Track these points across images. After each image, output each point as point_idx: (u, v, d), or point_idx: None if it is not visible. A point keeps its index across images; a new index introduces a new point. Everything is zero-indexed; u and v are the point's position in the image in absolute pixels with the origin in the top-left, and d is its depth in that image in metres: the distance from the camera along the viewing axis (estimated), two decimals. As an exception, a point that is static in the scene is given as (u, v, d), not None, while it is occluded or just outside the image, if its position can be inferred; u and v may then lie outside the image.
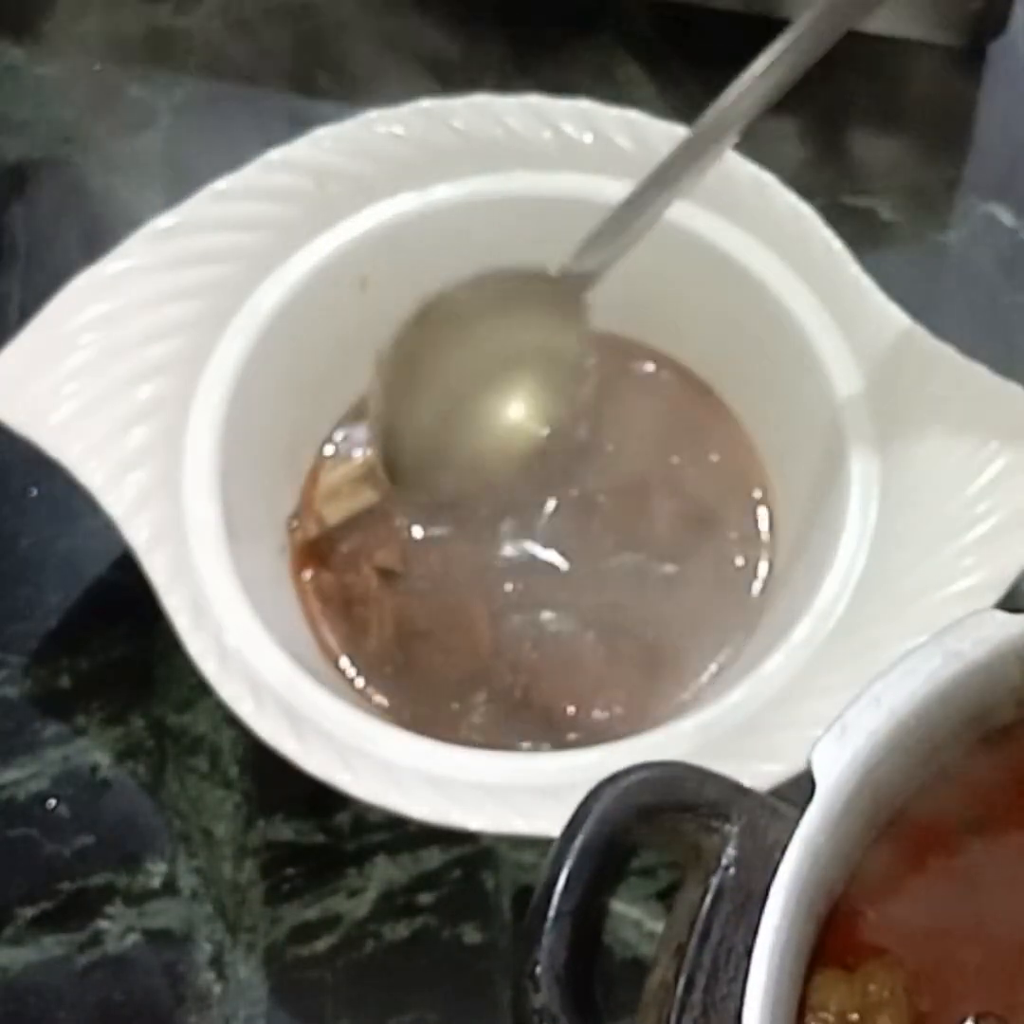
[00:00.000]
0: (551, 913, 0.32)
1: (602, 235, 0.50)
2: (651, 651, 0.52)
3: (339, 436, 0.56)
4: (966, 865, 0.34)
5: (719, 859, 0.32)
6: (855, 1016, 0.32)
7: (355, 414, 0.56)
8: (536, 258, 0.55)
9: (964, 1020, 0.32)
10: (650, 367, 0.57)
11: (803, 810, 0.31)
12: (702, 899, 0.32)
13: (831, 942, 0.33)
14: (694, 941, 0.31)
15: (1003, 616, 0.34)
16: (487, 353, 0.52)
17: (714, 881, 0.32)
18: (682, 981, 0.31)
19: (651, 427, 0.56)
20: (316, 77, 0.67)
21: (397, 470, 0.52)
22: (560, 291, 0.51)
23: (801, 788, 0.32)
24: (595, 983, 0.32)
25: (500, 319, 0.52)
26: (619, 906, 0.49)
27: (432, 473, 0.53)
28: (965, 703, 0.34)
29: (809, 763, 0.32)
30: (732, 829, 0.33)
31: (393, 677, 0.52)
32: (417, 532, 0.54)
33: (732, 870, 0.32)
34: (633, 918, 0.49)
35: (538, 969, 0.31)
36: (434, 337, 0.51)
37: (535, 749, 0.51)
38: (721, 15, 0.65)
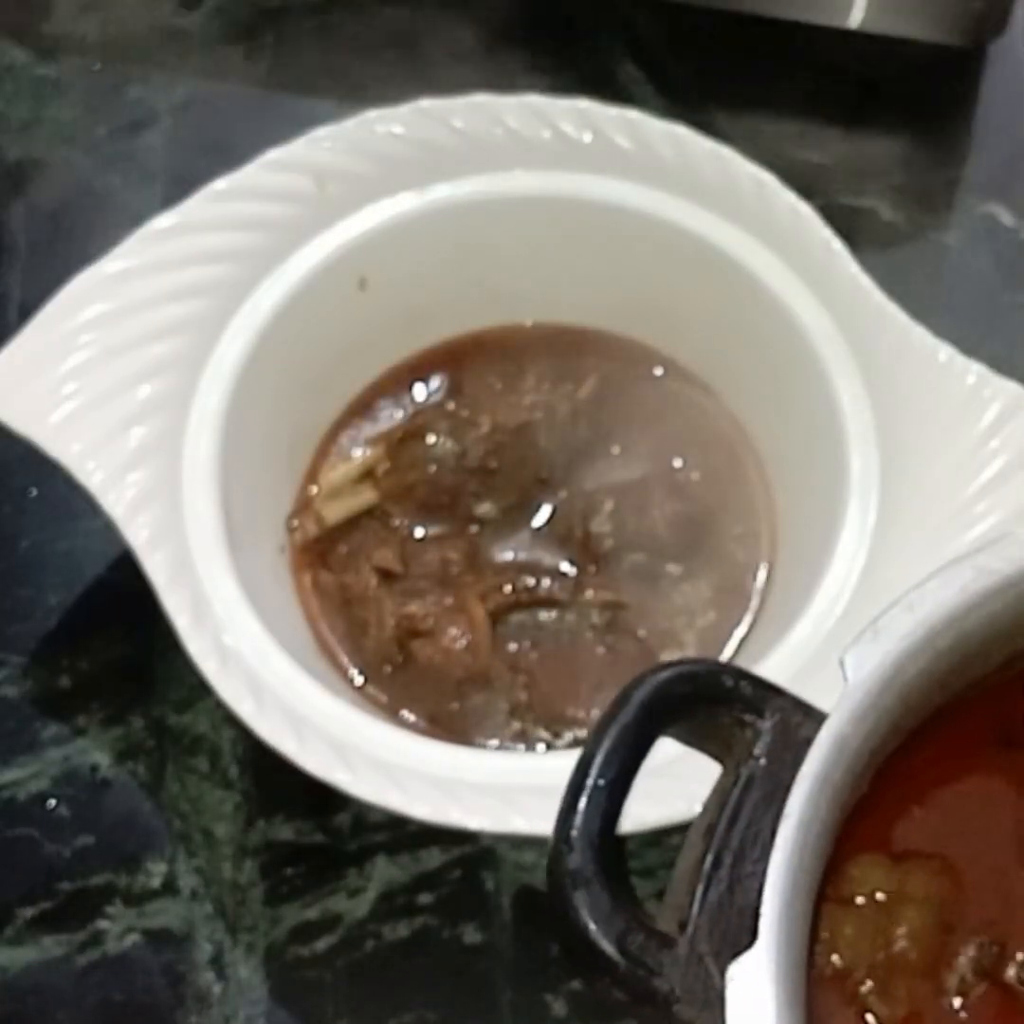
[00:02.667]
0: (589, 783, 0.33)
1: None
2: (651, 651, 0.52)
3: (339, 436, 0.56)
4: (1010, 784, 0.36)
5: (751, 750, 0.34)
6: (883, 896, 0.34)
7: (355, 414, 0.56)
8: (536, 258, 0.56)
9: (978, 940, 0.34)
10: (650, 367, 0.57)
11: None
12: (733, 786, 0.34)
13: (881, 832, 0.34)
14: (723, 823, 0.33)
15: None
16: None
17: (745, 770, 0.34)
18: (710, 858, 0.33)
19: (651, 427, 0.56)
20: (316, 77, 0.67)
21: None
22: None
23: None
24: (625, 853, 0.34)
25: None
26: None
27: None
28: (995, 618, 0.35)
29: (841, 663, 0.33)
30: (765, 724, 0.34)
31: (392, 676, 0.52)
32: (417, 532, 0.54)
33: (763, 761, 0.34)
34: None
35: (574, 834, 0.33)
36: None
37: (535, 749, 0.51)
38: (721, 15, 0.65)
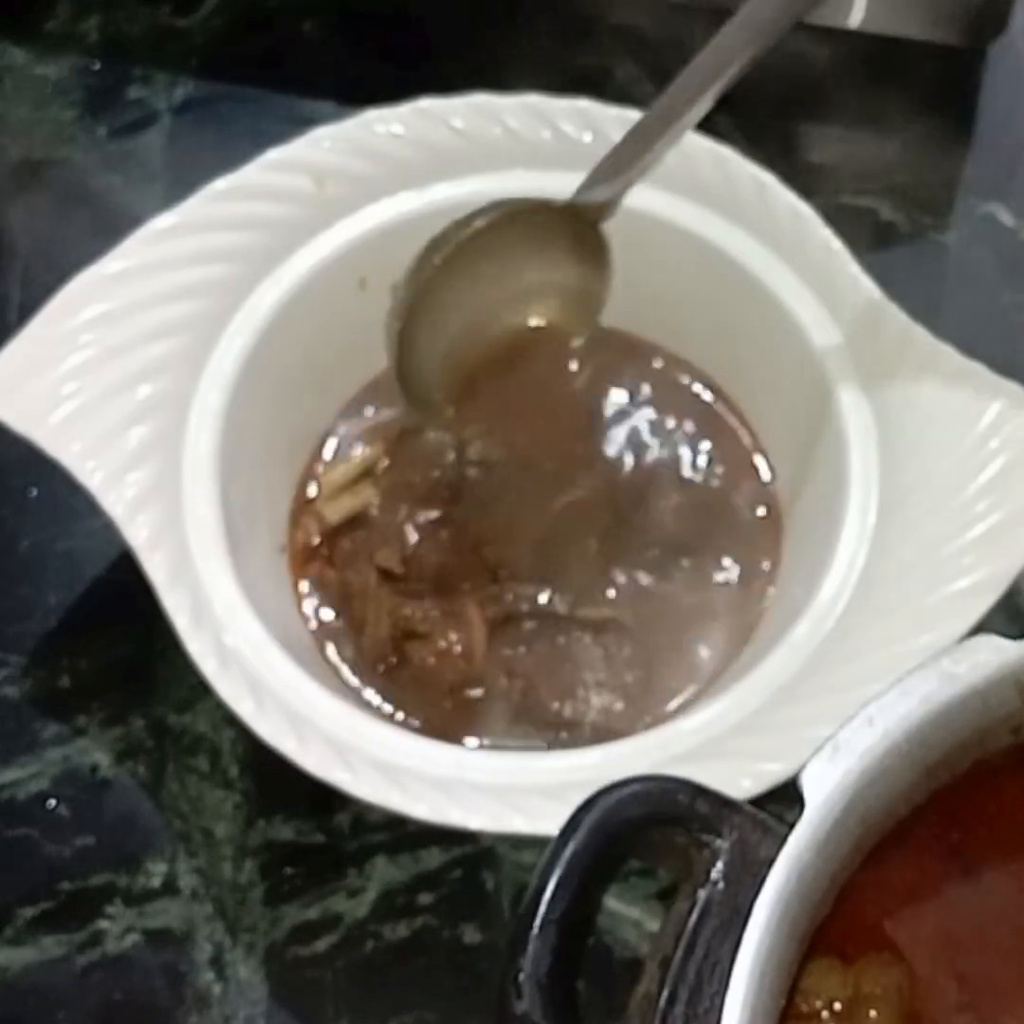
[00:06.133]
0: (537, 920, 0.32)
1: (610, 165, 0.49)
2: (650, 651, 0.52)
3: (339, 435, 0.56)
4: (968, 883, 0.34)
5: (708, 874, 0.32)
6: (839, 1006, 0.32)
7: (354, 413, 0.56)
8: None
9: None
10: (653, 365, 0.57)
11: (791, 828, 0.31)
12: (689, 913, 0.32)
13: (833, 931, 0.33)
14: (679, 955, 0.31)
15: (1001, 641, 0.34)
16: (506, 286, 0.51)
17: (702, 895, 0.32)
18: (665, 994, 0.31)
19: (653, 426, 0.56)
20: (316, 77, 0.67)
21: (411, 389, 0.51)
22: (577, 223, 0.49)
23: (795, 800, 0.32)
24: (577, 991, 0.32)
25: (519, 252, 0.50)
26: (619, 906, 0.49)
27: (447, 392, 0.52)
28: (960, 728, 0.33)
29: (799, 782, 0.32)
30: (722, 844, 0.33)
31: (386, 675, 0.52)
32: (417, 532, 0.54)
33: (721, 885, 0.32)
34: (633, 918, 0.49)
35: (521, 975, 0.31)
36: (451, 269, 0.49)
37: (534, 749, 0.51)
38: (721, 15, 0.65)
